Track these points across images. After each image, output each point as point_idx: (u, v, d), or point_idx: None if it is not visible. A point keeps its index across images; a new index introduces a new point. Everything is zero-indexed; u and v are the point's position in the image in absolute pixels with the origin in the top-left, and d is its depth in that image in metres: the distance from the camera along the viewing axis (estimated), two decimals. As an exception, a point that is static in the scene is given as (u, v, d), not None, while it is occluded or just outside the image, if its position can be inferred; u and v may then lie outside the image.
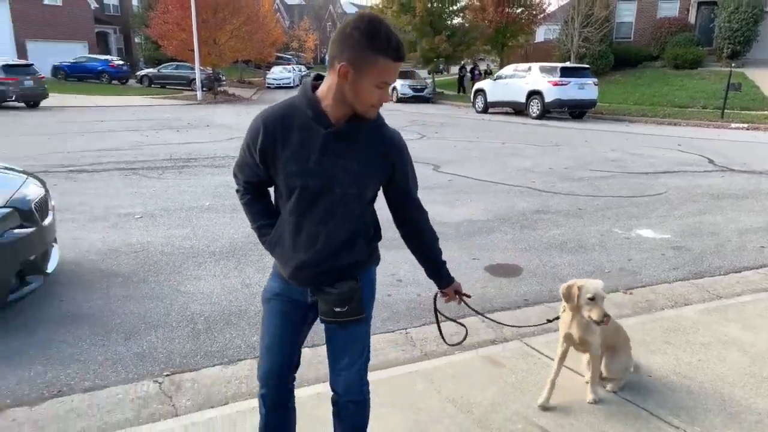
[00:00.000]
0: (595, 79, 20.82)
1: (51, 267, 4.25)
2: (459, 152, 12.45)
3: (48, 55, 33.61)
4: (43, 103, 21.64)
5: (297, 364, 2.26)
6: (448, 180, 9.35)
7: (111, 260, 5.25)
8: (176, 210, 7.03)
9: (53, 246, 4.43)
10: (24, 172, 4.61)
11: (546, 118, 20.48)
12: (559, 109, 20.54)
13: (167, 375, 3.44)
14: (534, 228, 6.63)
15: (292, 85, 40.05)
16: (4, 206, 3.78)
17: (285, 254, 2.07)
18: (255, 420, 2.90)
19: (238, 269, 5.13)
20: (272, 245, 2.10)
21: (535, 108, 20.60)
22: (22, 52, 33.15)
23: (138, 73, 35.58)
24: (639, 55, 29.29)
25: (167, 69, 33.45)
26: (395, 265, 5.29)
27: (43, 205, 4.20)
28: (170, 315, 4.22)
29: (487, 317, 2.98)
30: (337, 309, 2.06)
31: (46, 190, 4.45)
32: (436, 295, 2.43)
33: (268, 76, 41.14)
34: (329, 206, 1.99)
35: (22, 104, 21.09)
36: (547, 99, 20.00)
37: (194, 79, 28.80)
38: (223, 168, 9.87)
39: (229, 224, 6.45)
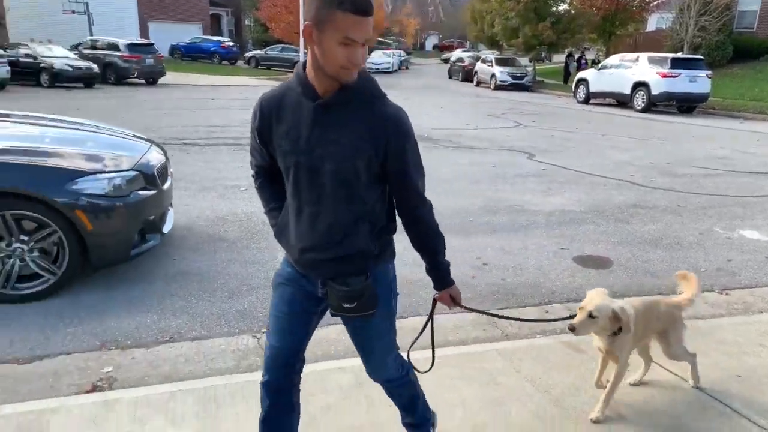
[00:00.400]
0: (709, 72, 19.54)
1: (167, 228, 4.69)
2: (556, 142, 12.20)
3: (167, 36, 35.86)
4: (161, 80, 23.21)
5: (303, 357, 2.19)
6: (542, 169, 9.24)
7: (218, 227, 5.69)
8: (277, 184, 7.44)
9: (169, 209, 4.88)
10: (148, 140, 5.09)
11: (651, 112, 19.52)
12: (666, 102, 19.50)
13: (264, 332, 3.75)
14: (629, 222, 6.47)
15: (390, 70, 40.37)
16: (132, 169, 4.22)
17: (290, 239, 2.03)
18: (344, 378, 3.15)
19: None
20: (279, 230, 2.07)
21: (640, 100, 19.68)
22: (144, 32, 35.59)
23: (246, 54, 37.19)
24: (762, 47, 27.09)
25: (273, 51, 34.74)
26: (481, 249, 5.39)
27: (163, 171, 4.64)
28: (269, 279, 4.54)
29: (490, 313, 2.67)
30: (346, 305, 2.00)
31: (167, 158, 4.91)
32: (434, 299, 2.26)
33: (367, 60, 41.60)
34: (324, 185, 1.90)
35: (142, 81, 22.74)
36: (654, 91, 19.03)
37: (297, 61, 29.69)
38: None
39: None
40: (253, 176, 2.18)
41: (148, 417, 2.77)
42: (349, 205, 1.94)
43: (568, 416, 2.92)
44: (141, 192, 4.22)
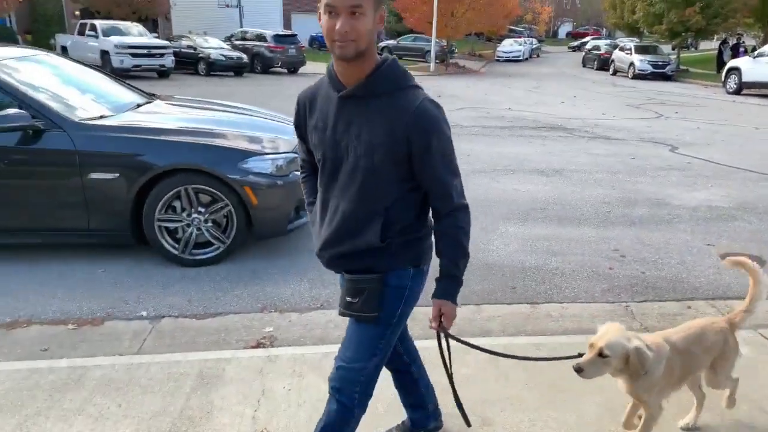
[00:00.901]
0: None
1: (316, 207, 5.11)
2: (701, 134, 11.45)
3: (307, 27, 37.60)
4: (301, 69, 24.47)
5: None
6: (686, 162, 8.76)
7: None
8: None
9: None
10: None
11: (819, 103, 17.59)
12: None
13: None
14: (786, 221, 6.03)
15: (521, 58, 39.48)
16: (291, 151, 4.66)
17: (316, 231, 2.01)
18: (476, 354, 3.32)
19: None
20: (312, 223, 2.06)
21: (805, 90, 17.79)
22: (287, 23, 37.63)
23: (380, 44, 38.03)
24: None
25: (406, 41, 35.25)
26: (618, 240, 5.31)
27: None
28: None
29: (483, 349, 2.27)
30: (348, 299, 1.94)
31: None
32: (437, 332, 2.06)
33: (498, 48, 41.06)
34: (345, 178, 1.86)
35: (284, 70, 24.12)
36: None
37: (429, 50, 29.98)
38: (455, 136, 10.41)
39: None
40: (299, 169, 2.22)
41: (305, 372, 3.11)
42: (366, 201, 1.87)
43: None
44: (297, 172, 4.64)
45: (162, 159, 4.25)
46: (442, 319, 1.95)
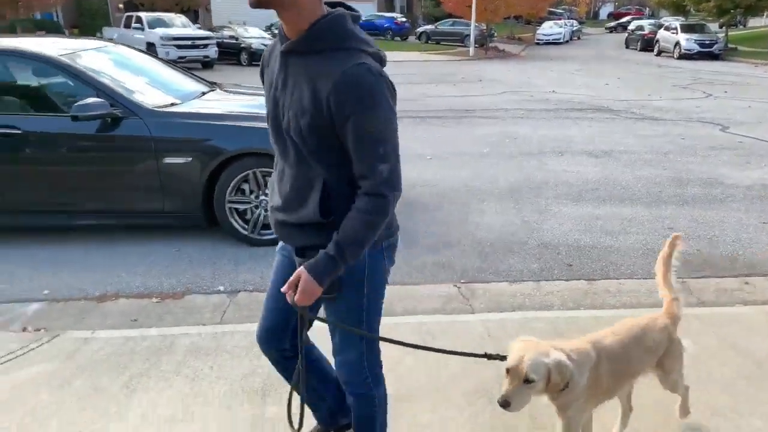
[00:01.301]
0: None
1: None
2: (753, 114, 11.20)
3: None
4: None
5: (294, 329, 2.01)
6: (738, 141, 8.64)
7: (410, 191, 6.21)
8: (459, 154, 7.84)
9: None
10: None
11: None
12: None
13: (463, 283, 4.16)
14: None
15: (561, 40, 38.82)
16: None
17: (273, 192, 1.94)
18: (539, 325, 3.46)
19: (517, 208, 5.68)
20: (270, 185, 2.00)
21: None
22: (323, 11, 37.70)
23: (417, 29, 37.95)
24: None
25: (444, 25, 35.09)
26: (671, 219, 5.34)
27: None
28: (463, 238, 4.96)
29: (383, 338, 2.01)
30: None
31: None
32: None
33: (538, 31, 40.45)
34: (285, 140, 1.76)
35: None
36: None
37: (468, 35, 29.80)
38: (496, 119, 10.47)
39: (506, 170, 7.02)
40: None
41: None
42: (302, 167, 1.76)
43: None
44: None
45: (231, 144, 4.48)
46: (297, 292, 1.73)
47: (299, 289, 1.71)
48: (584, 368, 1.99)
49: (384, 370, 2.10)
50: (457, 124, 10.17)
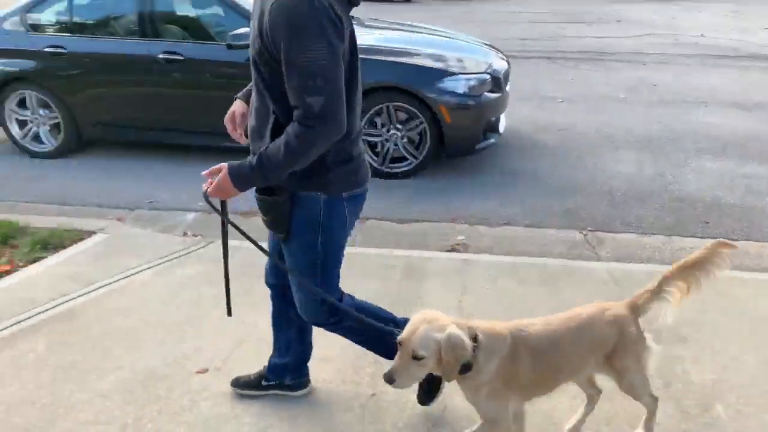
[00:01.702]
0: None
1: (502, 129, 5.26)
2: None
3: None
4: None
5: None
6: None
7: (539, 134, 6.10)
8: (593, 99, 7.51)
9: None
10: (492, 47, 5.65)
11: None
12: None
13: (590, 230, 4.11)
14: None
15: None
16: (484, 72, 4.81)
17: None
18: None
19: (652, 159, 5.42)
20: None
21: None
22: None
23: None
24: None
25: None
26: None
27: (506, 76, 5.15)
28: (591, 185, 4.85)
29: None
30: (262, 216, 1.94)
31: (509, 64, 5.40)
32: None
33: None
34: (251, 70, 1.81)
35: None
36: None
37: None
38: (635, 63, 9.82)
39: (644, 118, 6.66)
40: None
41: (498, 277, 3.39)
42: (262, 97, 1.81)
43: None
44: (489, 94, 4.80)
45: (368, 77, 4.59)
46: (213, 184, 1.82)
47: (215, 182, 1.80)
48: (493, 354, 1.80)
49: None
50: (591, 67, 9.66)
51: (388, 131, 4.76)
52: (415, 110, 4.64)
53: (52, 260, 3.54)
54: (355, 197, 1.97)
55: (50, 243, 3.69)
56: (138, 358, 2.63)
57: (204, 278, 3.31)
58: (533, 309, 3.04)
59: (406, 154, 4.84)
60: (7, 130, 5.45)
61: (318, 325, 2.15)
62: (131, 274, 3.37)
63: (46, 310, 2.99)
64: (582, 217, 4.32)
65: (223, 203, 1.93)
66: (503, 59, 5.39)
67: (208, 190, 1.83)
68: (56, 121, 5.31)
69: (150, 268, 3.45)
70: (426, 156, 4.81)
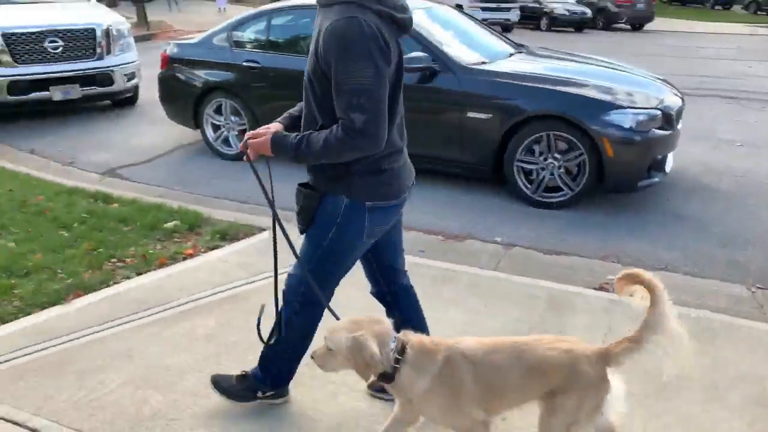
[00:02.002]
0: None
1: (668, 168, 4.99)
2: None
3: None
4: (647, 26, 22.78)
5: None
6: None
7: (710, 177, 5.69)
8: (780, 145, 6.84)
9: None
10: (665, 81, 5.41)
11: None
12: None
13: (759, 287, 3.76)
14: None
15: None
16: (655, 108, 4.63)
17: None
18: None
19: None
20: None
21: None
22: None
23: (745, -3, 32.90)
24: None
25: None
26: None
27: (678, 114, 4.90)
28: (764, 238, 4.44)
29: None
30: (296, 208, 2.15)
31: (683, 101, 5.13)
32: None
33: None
34: (304, 85, 2.03)
35: (628, 27, 22.75)
36: None
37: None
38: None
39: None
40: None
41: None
42: (307, 112, 2.04)
43: None
44: (658, 130, 4.60)
45: (531, 104, 4.65)
46: (252, 141, 2.08)
47: (258, 137, 2.06)
48: (421, 371, 1.84)
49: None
50: (782, 110, 8.80)
51: (545, 159, 4.74)
52: (576, 141, 4.58)
53: (228, 249, 3.98)
54: (381, 209, 2.09)
55: (228, 234, 4.15)
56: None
57: (353, 283, 3.50)
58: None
59: (562, 185, 4.78)
60: (203, 133, 6.22)
61: (283, 299, 2.26)
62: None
63: (219, 292, 3.38)
64: (751, 272, 3.97)
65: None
66: (677, 95, 5.14)
67: (249, 142, 2.09)
68: (243, 127, 5.95)
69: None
70: (582, 188, 4.72)
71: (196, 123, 6.23)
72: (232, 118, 6.04)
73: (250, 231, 4.27)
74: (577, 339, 1.98)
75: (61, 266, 3.55)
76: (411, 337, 1.92)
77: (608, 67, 5.59)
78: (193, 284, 3.46)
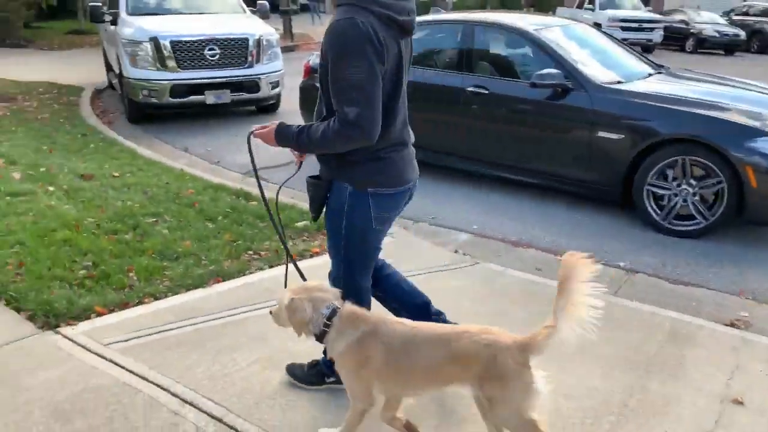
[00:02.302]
0: None
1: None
2: None
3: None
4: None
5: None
6: None
7: None
8: None
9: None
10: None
11: None
12: None
13: None
14: None
15: None
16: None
17: None
18: None
19: None
20: None
21: None
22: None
23: None
24: None
25: None
26: None
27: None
28: None
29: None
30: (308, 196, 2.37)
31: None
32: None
33: None
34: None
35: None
36: None
37: None
38: None
39: None
40: None
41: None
42: (321, 103, 2.21)
43: None
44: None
45: (666, 127, 4.47)
46: (258, 132, 2.29)
47: (264, 129, 2.26)
48: (342, 336, 2.10)
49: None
50: None
51: (678, 185, 4.52)
52: (715, 167, 4.32)
53: (350, 250, 4.22)
54: (383, 196, 2.26)
55: (351, 236, 4.39)
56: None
57: (466, 293, 3.61)
58: None
59: (695, 213, 4.53)
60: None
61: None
62: (407, 276, 3.84)
63: (340, 289, 3.61)
64: None
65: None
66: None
67: (255, 131, 2.30)
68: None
69: (421, 274, 3.88)
70: (719, 219, 4.44)
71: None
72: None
73: (372, 235, 4.47)
74: (503, 330, 2.07)
75: (206, 254, 3.95)
76: (347, 307, 2.16)
77: (759, 92, 5.21)
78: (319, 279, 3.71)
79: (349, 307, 2.17)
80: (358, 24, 1.99)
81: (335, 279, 2.46)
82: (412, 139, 2.41)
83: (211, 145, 7.28)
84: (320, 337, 2.14)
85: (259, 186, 2.47)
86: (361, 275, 2.43)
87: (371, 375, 2.09)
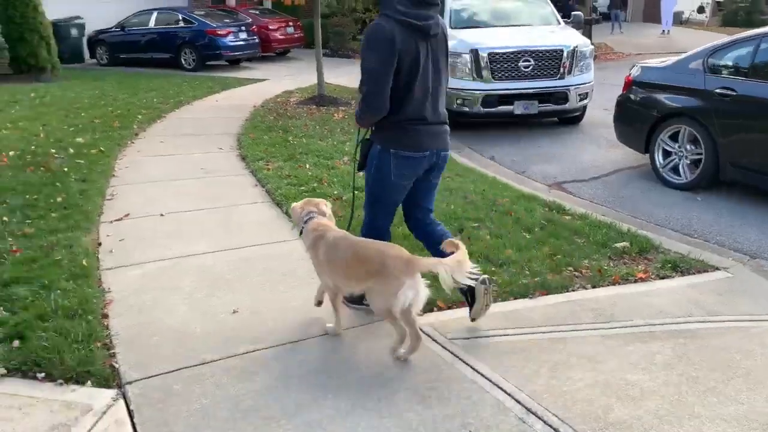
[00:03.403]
0: None
1: None
2: None
3: None
4: None
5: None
6: None
7: None
8: None
9: None
10: None
11: None
12: None
13: None
14: None
15: None
16: None
17: None
18: None
19: None
20: None
21: None
22: None
23: None
24: None
25: None
26: None
27: None
28: None
29: None
30: None
31: None
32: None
33: None
34: None
35: None
36: None
37: None
38: None
39: None
40: None
41: None
42: None
43: None
44: None
45: None
46: None
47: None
48: (307, 237, 3.11)
49: None
50: None
51: None
52: None
53: (680, 281, 3.91)
54: (403, 157, 2.99)
55: (679, 266, 4.07)
56: (757, 399, 2.69)
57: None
58: None
59: None
60: (652, 158, 6.19)
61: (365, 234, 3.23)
62: (757, 319, 3.43)
63: (672, 323, 3.36)
64: None
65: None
66: None
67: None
68: (699, 157, 5.70)
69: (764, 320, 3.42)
70: None
71: (647, 147, 6.22)
72: (688, 146, 5.83)
73: (703, 267, 4.10)
74: (403, 249, 2.88)
75: (527, 264, 4.03)
76: (318, 219, 3.10)
77: None
78: (645, 309, 3.53)
79: (318, 219, 3.10)
80: (382, 27, 2.77)
81: (364, 222, 3.24)
82: (441, 119, 3.09)
83: (516, 155, 7.44)
84: (301, 233, 3.15)
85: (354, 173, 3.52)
86: (382, 218, 3.20)
87: (322, 263, 3.00)
